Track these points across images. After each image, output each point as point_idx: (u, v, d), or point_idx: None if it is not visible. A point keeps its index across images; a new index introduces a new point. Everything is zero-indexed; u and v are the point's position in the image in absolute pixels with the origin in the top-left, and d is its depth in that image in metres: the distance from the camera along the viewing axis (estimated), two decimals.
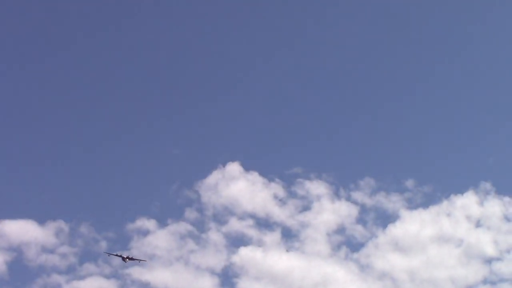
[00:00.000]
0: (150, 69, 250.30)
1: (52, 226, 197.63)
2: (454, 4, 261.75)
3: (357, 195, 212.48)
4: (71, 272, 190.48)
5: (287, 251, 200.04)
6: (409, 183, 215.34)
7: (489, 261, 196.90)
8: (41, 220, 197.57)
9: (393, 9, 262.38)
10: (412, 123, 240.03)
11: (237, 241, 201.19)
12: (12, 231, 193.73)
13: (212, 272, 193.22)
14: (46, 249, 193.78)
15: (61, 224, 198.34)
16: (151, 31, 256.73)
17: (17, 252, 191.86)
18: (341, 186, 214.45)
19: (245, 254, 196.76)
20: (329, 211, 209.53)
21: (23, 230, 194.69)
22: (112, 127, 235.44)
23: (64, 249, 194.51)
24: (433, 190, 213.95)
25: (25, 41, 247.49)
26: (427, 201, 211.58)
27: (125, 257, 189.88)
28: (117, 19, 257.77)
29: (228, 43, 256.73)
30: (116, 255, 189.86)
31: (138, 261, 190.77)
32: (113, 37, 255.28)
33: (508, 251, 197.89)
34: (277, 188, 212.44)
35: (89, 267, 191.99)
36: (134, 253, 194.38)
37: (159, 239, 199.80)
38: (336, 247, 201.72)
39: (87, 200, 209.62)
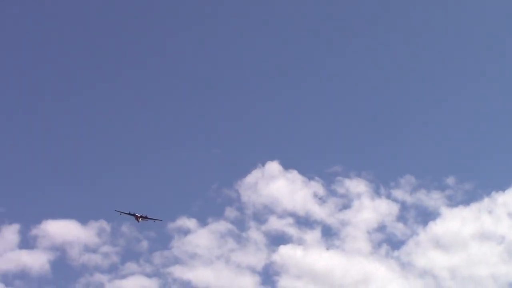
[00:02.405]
0: (191, 70, 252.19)
1: (94, 225, 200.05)
2: None
3: (398, 193, 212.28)
4: (113, 271, 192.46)
5: (327, 249, 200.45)
6: (450, 180, 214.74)
7: None
8: (83, 220, 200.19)
9: None
10: (452, 120, 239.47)
11: (277, 240, 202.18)
12: (55, 231, 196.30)
13: (252, 270, 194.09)
14: (89, 249, 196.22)
15: (103, 223, 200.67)
16: (193, 31, 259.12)
17: (60, 251, 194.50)
18: (381, 184, 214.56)
19: (285, 252, 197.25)
20: (369, 209, 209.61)
21: (65, 230, 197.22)
22: (153, 128, 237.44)
23: (106, 248, 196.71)
24: (474, 187, 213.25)
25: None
26: (468, 199, 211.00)
27: (138, 216, 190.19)
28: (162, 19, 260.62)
29: (267, 45, 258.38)
30: (129, 213, 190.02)
31: (153, 220, 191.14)
32: (156, 39, 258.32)
33: None
34: (317, 187, 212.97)
35: (131, 266, 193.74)
36: (175, 252, 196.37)
37: (199, 238, 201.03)
38: (376, 245, 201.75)
39: (129, 200, 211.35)
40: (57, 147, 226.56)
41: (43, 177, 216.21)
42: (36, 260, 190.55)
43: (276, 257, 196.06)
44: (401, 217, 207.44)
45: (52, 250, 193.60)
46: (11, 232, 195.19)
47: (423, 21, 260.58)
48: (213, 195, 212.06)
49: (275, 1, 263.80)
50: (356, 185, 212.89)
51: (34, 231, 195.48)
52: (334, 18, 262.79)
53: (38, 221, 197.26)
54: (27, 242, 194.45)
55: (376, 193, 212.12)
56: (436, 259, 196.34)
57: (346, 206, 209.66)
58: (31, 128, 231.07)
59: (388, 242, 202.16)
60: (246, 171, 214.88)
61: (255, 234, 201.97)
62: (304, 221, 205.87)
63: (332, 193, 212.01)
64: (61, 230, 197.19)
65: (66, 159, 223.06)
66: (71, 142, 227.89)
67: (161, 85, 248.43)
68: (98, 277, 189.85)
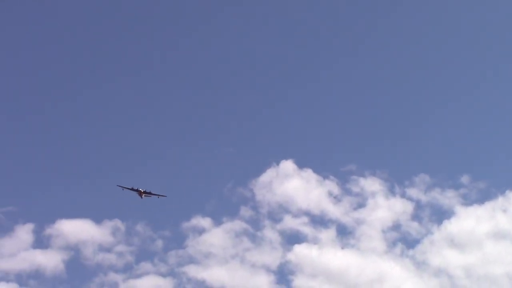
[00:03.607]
0: (205, 70, 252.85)
1: (108, 225, 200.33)
2: None
3: (412, 192, 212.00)
4: (128, 270, 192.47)
5: (342, 248, 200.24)
6: (464, 179, 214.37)
7: None
8: (97, 219, 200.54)
9: None
10: (467, 119, 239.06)
11: (292, 239, 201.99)
12: (69, 231, 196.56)
13: (267, 269, 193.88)
14: (103, 248, 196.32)
15: (118, 223, 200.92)
16: (207, 31, 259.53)
17: (74, 251, 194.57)
18: (396, 182, 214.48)
19: (300, 251, 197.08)
20: (384, 207, 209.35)
21: (80, 229, 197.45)
22: (167, 127, 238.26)
23: (121, 248, 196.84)
24: (489, 186, 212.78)
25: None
26: (483, 197, 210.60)
27: (141, 191, 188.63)
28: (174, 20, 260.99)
29: (282, 44, 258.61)
30: (132, 189, 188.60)
31: (157, 196, 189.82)
32: (171, 39, 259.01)
33: None
34: (332, 185, 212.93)
35: (146, 265, 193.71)
36: (190, 252, 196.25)
37: (214, 237, 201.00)
38: (391, 244, 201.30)
39: (143, 200, 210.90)
40: (71, 147, 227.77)
41: (57, 177, 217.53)
42: (50, 260, 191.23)
43: (291, 256, 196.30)
44: (416, 216, 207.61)
45: (66, 249, 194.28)
46: (25, 232, 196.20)
47: (436, 19, 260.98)
48: (227, 194, 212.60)
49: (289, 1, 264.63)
50: (371, 184, 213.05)
51: (48, 231, 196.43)
52: (347, 16, 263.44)
53: (52, 220, 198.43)
54: (41, 242, 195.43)
55: (391, 192, 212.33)
56: (451, 258, 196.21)
57: (361, 205, 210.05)
58: (45, 128, 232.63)
59: (403, 241, 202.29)
60: (261, 170, 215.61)
61: (270, 233, 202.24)
62: (319, 220, 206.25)
63: (347, 192, 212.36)
64: (75, 229, 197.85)
65: (81, 158, 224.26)
66: (85, 142, 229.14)
67: (177, 84, 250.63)
68: (113, 276, 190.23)
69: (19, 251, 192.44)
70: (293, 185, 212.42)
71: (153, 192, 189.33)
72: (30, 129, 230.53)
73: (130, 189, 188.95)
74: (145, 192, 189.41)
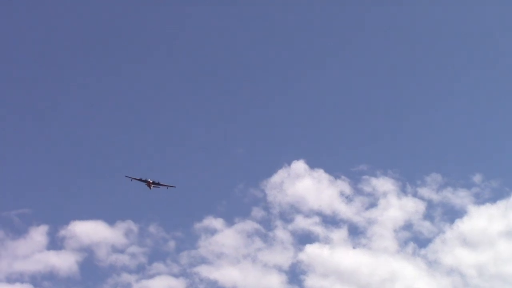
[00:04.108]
0: (214, 70, 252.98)
1: (121, 226, 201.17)
2: None
3: (424, 191, 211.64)
4: (141, 271, 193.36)
5: (354, 248, 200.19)
6: (477, 178, 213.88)
7: None
8: (110, 221, 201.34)
9: None
10: (476, 117, 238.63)
11: (303, 239, 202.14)
12: (82, 232, 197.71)
13: (279, 269, 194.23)
14: (116, 249, 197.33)
15: (130, 224, 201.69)
16: (215, 30, 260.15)
17: (88, 252, 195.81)
18: (408, 182, 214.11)
19: (312, 251, 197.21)
20: (396, 207, 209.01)
21: (93, 231, 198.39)
22: (178, 127, 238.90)
23: (134, 249, 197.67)
24: (501, 184, 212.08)
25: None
26: (495, 196, 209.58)
27: (150, 181, 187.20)
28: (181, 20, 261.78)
29: (291, 43, 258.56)
30: (140, 179, 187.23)
31: (166, 187, 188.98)
32: (181, 38, 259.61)
33: None
34: (343, 185, 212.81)
35: (158, 266, 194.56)
36: (202, 252, 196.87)
37: (226, 237, 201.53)
38: (403, 243, 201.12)
39: (155, 200, 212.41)
40: (84, 148, 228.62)
41: (70, 178, 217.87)
42: (64, 261, 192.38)
43: (302, 256, 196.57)
44: (428, 215, 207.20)
45: (80, 251, 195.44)
46: (40, 234, 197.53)
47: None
48: (239, 195, 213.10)
49: None
50: (383, 184, 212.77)
51: (62, 232, 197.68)
52: (357, 13, 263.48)
53: (66, 222, 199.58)
54: (55, 243, 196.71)
55: (403, 191, 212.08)
56: (463, 257, 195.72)
57: (372, 205, 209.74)
58: (58, 130, 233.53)
59: (414, 240, 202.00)
60: (272, 170, 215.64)
61: (281, 233, 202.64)
62: (331, 220, 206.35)
63: (359, 191, 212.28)
64: (88, 231, 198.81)
65: (93, 160, 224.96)
66: (98, 143, 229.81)
67: (187, 84, 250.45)
68: (126, 277, 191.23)
69: (34, 252, 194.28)
70: (305, 185, 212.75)
71: (162, 183, 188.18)
72: (43, 131, 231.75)
73: (139, 179, 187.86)
74: (153, 183, 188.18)
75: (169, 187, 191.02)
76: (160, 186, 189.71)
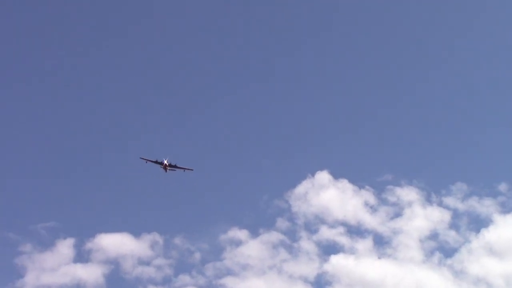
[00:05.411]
0: (240, 83, 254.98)
1: (147, 238, 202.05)
2: None
3: (449, 200, 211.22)
4: (167, 283, 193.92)
5: (379, 258, 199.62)
6: (502, 187, 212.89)
7: None
8: (136, 233, 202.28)
9: None
10: (503, 126, 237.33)
11: (329, 249, 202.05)
12: (109, 244, 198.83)
13: (305, 280, 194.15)
14: (142, 261, 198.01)
15: (156, 236, 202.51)
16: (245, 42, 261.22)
17: (114, 264, 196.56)
18: (433, 191, 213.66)
19: (337, 262, 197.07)
20: (421, 217, 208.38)
21: (119, 243, 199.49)
22: (204, 140, 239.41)
23: (159, 261, 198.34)
24: None
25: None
26: None
27: (166, 164, 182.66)
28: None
29: (317, 56, 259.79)
30: (156, 162, 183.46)
31: (183, 170, 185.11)
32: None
33: None
34: (368, 195, 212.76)
35: (184, 278, 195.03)
36: (227, 264, 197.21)
37: (251, 249, 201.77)
38: (429, 253, 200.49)
39: (181, 212, 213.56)
40: (110, 163, 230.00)
41: (96, 192, 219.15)
42: (91, 274, 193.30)
43: (328, 266, 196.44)
44: (453, 225, 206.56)
45: (106, 263, 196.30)
46: (67, 247, 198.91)
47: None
48: (264, 206, 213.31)
49: None
50: (407, 193, 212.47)
51: (89, 245, 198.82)
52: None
53: (92, 235, 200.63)
54: (81, 256, 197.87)
55: (428, 201, 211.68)
56: (490, 267, 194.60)
57: (397, 215, 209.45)
58: (83, 144, 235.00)
59: (440, 250, 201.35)
60: (297, 181, 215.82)
61: (306, 244, 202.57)
62: (356, 230, 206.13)
63: (383, 201, 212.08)
64: (114, 243, 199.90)
65: (117, 173, 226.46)
66: (124, 157, 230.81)
67: (212, 96, 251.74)
68: None
69: (61, 265, 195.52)
70: (329, 195, 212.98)
71: (178, 165, 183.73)
72: (68, 145, 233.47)
73: (154, 162, 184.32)
74: (170, 165, 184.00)
75: (186, 170, 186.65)
76: (177, 169, 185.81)
